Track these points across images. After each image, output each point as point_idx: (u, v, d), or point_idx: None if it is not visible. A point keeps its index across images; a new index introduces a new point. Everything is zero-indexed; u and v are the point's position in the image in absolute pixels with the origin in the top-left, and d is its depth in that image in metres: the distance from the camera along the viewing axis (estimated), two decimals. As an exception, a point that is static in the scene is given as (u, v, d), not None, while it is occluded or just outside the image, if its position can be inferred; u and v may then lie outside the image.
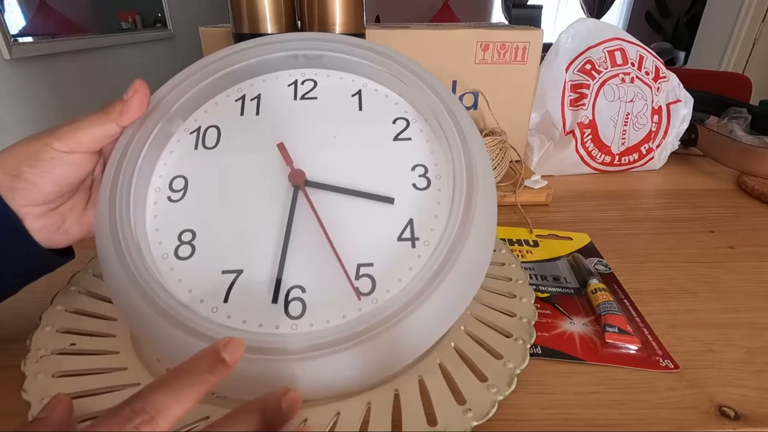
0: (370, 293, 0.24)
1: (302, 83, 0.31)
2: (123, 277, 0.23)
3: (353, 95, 0.30)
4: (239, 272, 0.25)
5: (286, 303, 0.24)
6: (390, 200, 0.26)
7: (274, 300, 0.24)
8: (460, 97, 0.58)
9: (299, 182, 0.26)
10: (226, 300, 0.24)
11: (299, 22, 0.47)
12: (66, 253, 0.29)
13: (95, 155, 0.27)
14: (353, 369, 0.22)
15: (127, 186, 0.26)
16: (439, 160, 0.28)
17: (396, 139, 0.29)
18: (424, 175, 0.27)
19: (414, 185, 0.27)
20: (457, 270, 0.23)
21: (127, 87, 0.27)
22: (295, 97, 0.30)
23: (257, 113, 0.30)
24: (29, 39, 1.55)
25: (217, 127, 0.29)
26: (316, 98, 0.30)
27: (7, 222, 0.25)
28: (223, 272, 0.25)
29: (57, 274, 0.36)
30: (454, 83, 0.57)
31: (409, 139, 0.29)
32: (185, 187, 0.27)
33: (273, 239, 0.25)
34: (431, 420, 0.23)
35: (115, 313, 0.30)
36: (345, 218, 0.26)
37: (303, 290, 0.24)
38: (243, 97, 0.30)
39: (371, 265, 0.25)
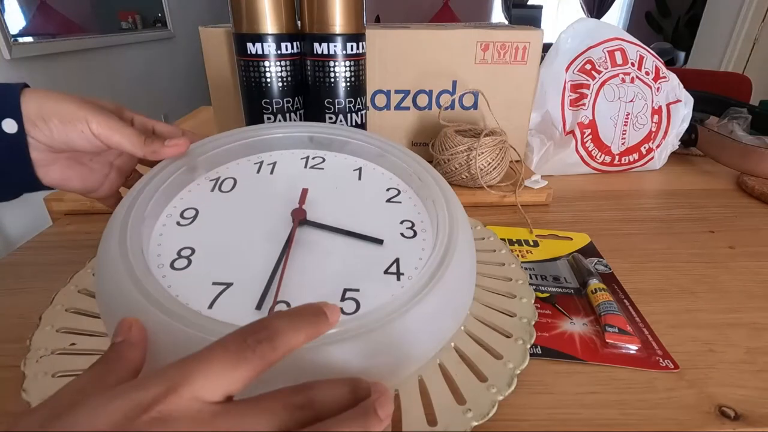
0: (353, 313, 0.25)
1: (313, 158, 0.37)
2: (120, 266, 0.25)
3: (354, 170, 0.36)
4: (229, 284, 0.26)
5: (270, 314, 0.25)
6: (379, 241, 0.30)
7: (258, 307, 0.25)
8: (461, 97, 0.58)
9: (298, 218, 0.30)
10: (210, 307, 0.25)
11: (299, 22, 0.47)
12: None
13: (109, 150, 0.33)
14: (336, 362, 0.23)
15: (142, 207, 0.29)
16: (425, 219, 0.32)
17: (388, 201, 0.34)
18: (411, 228, 0.31)
19: (402, 234, 0.31)
20: (435, 294, 0.25)
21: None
22: (306, 166, 0.36)
23: (271, 173, 0.35)
24: (29, 39, 1.55)
25: (235, 179, 0.34)
26: (323, 169, 0.36)
27: (19, 142, 0.29)
28: (214, 283, 0.26)
29: (57, 273, 0.37)
30: (454, 83, 0.57)
31: (400, 202, 0.34)
32: (195, 216, 0.31)
33: (268, 262, 0.27)
34: (431, 420, 0.23)
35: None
36: (337, 252, 0.29)
37: (288, 305, 0.25)
38: (261, 162, 0.36)
39: (357, 290, 0.26)
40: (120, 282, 0.24)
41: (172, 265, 0.27)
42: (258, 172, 0.35)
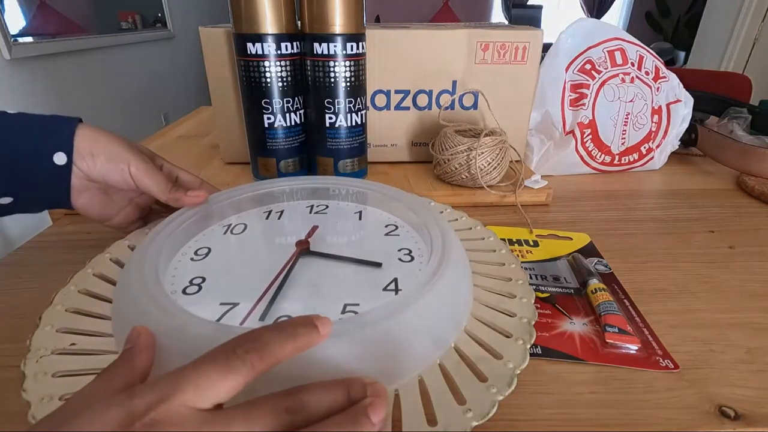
0: None
1: (317, 206, 0.42)
2: (136, 288, 0.27)
3: (355, 213, 0.41)
4: (236, 304, 0.28)
5: None
6: (378, 264, 0.32)
7: (262, 318, 0.27)
8: (461, 97, 0.58)
9: (301, 247, 0.33)
10: (218, 322, 0.27)
11: (299, 22, 0.47)
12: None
13: (135, 189, 0.36)
14: (333, 360, 0.23)
15: (159, 244, 0.32)
16: (421, 246, 0.35)
17: (387, 234, 0.37)
18: (408, 254, 0.34)
19: (400, 259, 0.33)
20: (431, 296, 0.27)
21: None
22: (311, 212, 0.41)
23: (279, 218, 0.40)
24: (29, 39, 1.55)
25: (245, 224, 0.38)
26: (326, 213, 0.41)
27: (66, 173, 0.33)
28: (221, 304, 0.28)
29: (57, 273, 0.37)
30: (454, 83, 0.57)
31: (398, 235, 0.37)
32: (207, 253, 0.34)
33: (273, 286, 0.30)
34: (431, 420, 0.23)
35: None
36: (339, 275, 0.32)
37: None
38: (270, 211, 0.41)
39: (357, 304, 0.28)
40: (135, 301, 0.26)
41: (183, 291, 0.30)
42: (267, 218, 0.40)
